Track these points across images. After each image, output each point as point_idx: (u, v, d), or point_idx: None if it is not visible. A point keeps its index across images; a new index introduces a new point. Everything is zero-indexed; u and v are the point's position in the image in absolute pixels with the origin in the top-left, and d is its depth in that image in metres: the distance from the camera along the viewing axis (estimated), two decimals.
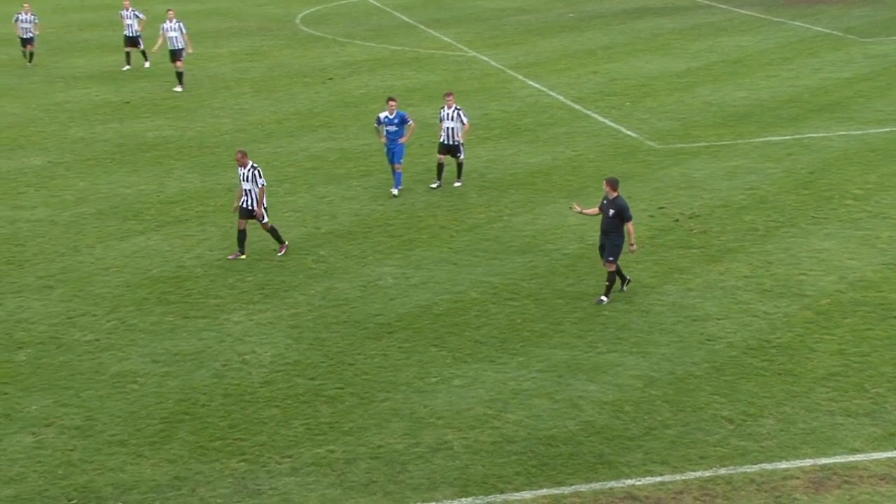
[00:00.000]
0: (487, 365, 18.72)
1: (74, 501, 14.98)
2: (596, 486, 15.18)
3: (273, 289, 21.95)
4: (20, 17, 42.10)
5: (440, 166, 28.05)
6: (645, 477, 15.37)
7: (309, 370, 18.60)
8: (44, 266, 23.21)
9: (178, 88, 38.64)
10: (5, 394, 17.83)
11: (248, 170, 23.13)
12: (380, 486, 15.26)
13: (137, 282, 22.36)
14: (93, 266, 23.17)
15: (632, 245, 20.97)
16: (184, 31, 38.75)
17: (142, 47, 42.04)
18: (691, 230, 25.00)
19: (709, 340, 19.51)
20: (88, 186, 28.46)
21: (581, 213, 21.97)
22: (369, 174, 28.95)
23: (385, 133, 27.19)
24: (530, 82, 39.95)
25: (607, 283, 20.94)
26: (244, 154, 23.45)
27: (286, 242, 23.73)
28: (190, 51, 39.13)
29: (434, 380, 18.23)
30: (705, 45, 46.51)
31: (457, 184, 28.13)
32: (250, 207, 23.13)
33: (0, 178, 29.08)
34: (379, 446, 16.22)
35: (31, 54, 42.42)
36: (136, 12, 41.53)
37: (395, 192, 27.35)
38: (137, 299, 21.50)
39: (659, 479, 15.32)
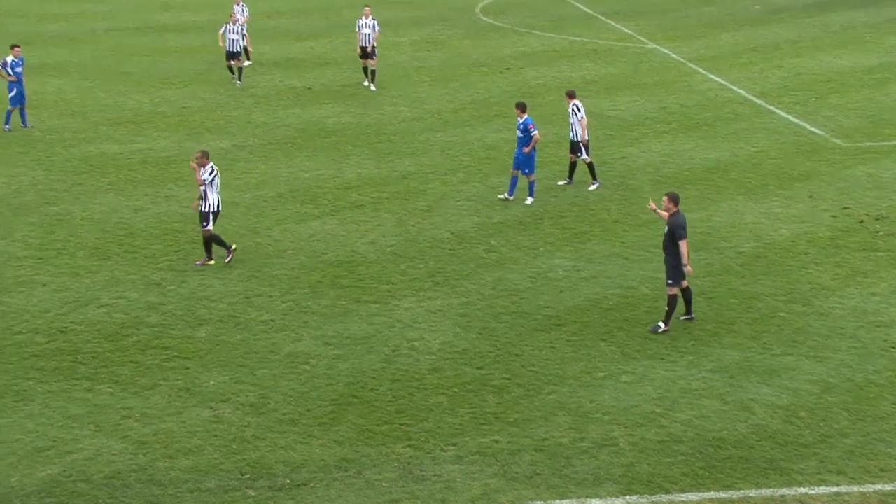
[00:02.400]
0: (657, 362, 18.46)
1: (247, 476, 15.38)
2: (766, 492, 14.82)
3: (444, 277, 22.10)
4: (228, 28, 37.89)
5: (572, 165, 27.46)
6: (819, 486, 14.93)
7: (476, 359, 18.66)
8: None
9: (372, 87, 37.51)
10: (186, 368, 18.43)
11: (208, 171, 22.28)
12: (543, 478, 15.22)
13: (312, 265, 22.80)
14: (270, 248, 23.71)
15: (685, 265, 19.07)
16: (377, 29, 37.47)
17: (245, 43, 39.65)
18: (877, 232, 24.16)
19: (893, 348, 18.82)
20: (269, 170, 29.16)
21: (654, 210, 19.84)
22: (543, 166, 28.82)
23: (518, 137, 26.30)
24: (711, 76, 39.21)
25: (668, 310, 19.41)
26: (206, 155, 22.51)
27: (213, 260, 22.58)
28: (375, 46, 37.26)
29: (601, 375, 18.08)
30: None
31: (591, 187, 27.14)
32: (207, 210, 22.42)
33: (188, 160, 29.99)
34: (544, 439, 16.17)
35: (240, 70, 38.52)
36: (244, 7, 40.72)
37: (506, 196, 26.24)
38: (312, 282, 21.93)
39: (834, 489, 14.86)
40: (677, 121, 33.50)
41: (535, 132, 26.00)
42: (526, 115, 26.18)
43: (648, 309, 20.43)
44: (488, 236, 24.27)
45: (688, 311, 19.86)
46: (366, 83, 37.98)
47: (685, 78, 39.11)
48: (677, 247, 19.09)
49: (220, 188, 22.72)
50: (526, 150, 26.02)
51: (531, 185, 26.45)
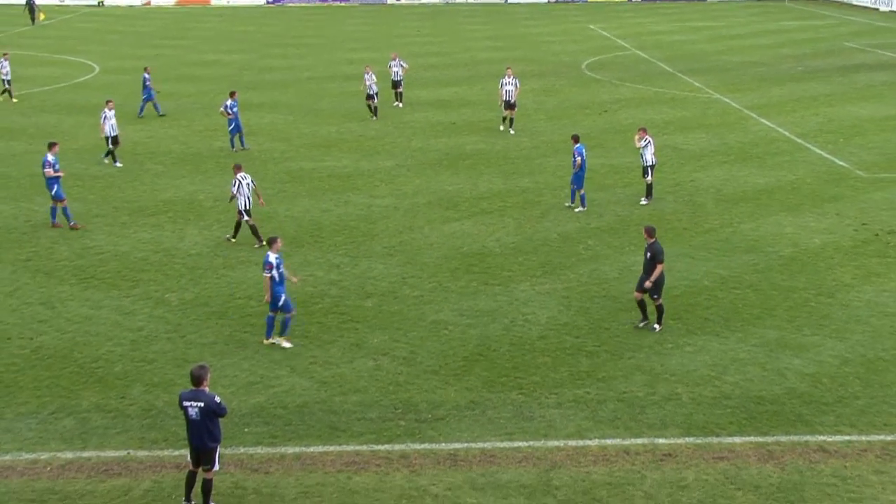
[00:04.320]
0: (713, 337, 18.15)
1: (399, 410, 15.64)
2: (794, 438, 14.52)
3: (551, 267, 22.06)
4: (367, 76, 38.37)
5: (648, 186, 26.70)
6: (835, 435, 14.54)
7: (574, 331, 18.61)
8: (387, 239, 24.18)
9: (511, 131, 35.78)
10: (356, 329, 18.79)
11: (234, 181, 22.77)
12: (623, 422, 15.14)
13: (452, 255, 22.98)
14: (421, 242, 23.96)
15: (647, 282, 17.90)
16: (518, 86, 35.52)
17: (400, 89, 40.79)
18: (889, 243, 23.27)
19: None
20: (422, 183, 29.44)
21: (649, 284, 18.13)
22: (630, 185, 28.56)
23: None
24: (762, 120, 38.16)
25: (657, 314, 18.36)
26: (236, 167, 23.00)
27: (264, 243, 22.41)
28: (513, 102, 35.44)
29: (670, 346, 17.86)
30: None
31: (642, 202, 26.46)
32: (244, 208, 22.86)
33: (362, 175, 30.55)
34: (624, 392, 16.07)
35: (376, 108, 38.69)
36: (402, 62, 40.54)
37: (577, 209, 25.66)
38: (451, 268, 22.10)
39: (847, 437, 14.47)
40: (735, 153, 32.74)
41: (578, 158, 25.43)
42: (577, 144, 25.67)
43: (708, 297, 20.09)
44: (586, 237, 24.13)
45: (644, 318, 18.48)
46: (501, 128, 36.35)
47: (742, 121, 38.15)
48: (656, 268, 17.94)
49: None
50: (574, 170, 25.60)
51: (581, 197, 26.04)
